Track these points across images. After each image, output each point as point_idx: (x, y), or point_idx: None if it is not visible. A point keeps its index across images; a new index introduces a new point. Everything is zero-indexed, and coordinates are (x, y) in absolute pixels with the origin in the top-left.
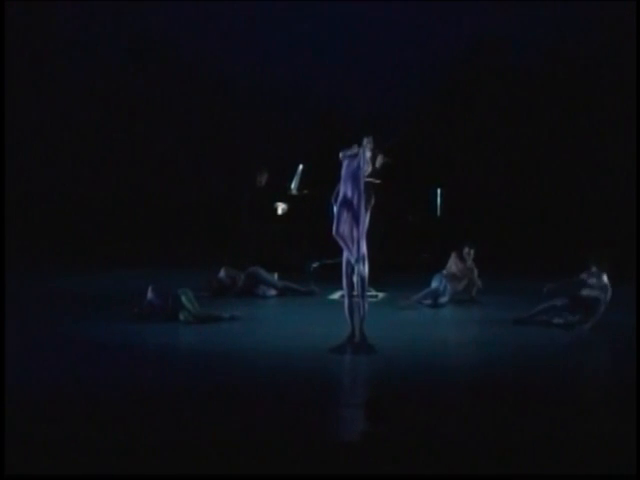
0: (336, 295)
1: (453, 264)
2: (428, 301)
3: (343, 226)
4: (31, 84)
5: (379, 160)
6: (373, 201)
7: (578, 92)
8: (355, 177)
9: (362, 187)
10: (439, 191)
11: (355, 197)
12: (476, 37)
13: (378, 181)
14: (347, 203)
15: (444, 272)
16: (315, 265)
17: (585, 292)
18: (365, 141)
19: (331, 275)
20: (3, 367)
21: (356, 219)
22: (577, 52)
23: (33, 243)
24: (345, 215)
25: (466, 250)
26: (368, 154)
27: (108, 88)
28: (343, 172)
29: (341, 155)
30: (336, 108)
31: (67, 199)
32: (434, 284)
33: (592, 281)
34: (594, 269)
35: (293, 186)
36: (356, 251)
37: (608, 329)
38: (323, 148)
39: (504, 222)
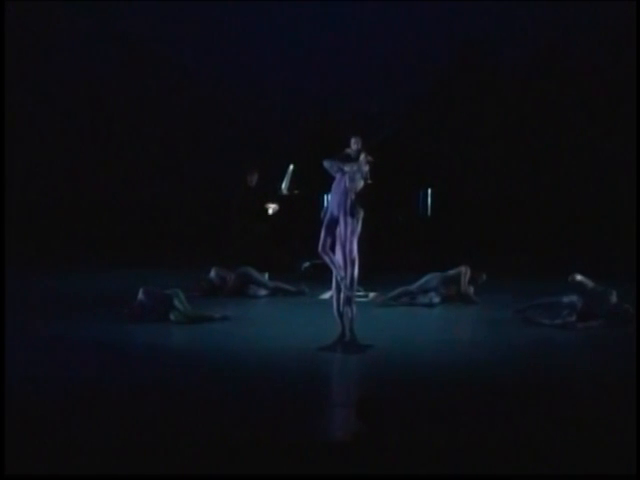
0: (327, 295)
1: (460, 277)
2: (404, 299)
3: (328, 244)
4: (24, 83)
5: (362, 159)
6: (362, 214)
7: (569, 91)
8: (343, 196)
9: (349, 206)
10: (429, 191)
11: (341, 217)
12: (465, 36)
13: (370, 181)
14: (333, 222)
15: (442, 274)
16: (306, 265)
17: (596, 308)
18: (353, 141)
19: (322, 275)
20: (3, 367)
21: (342, 241)
22: (568, 51)
23: (22, 244)
24: (330, 234)
25: (478, 274)
26: (366, 168)
27: (103, 90)
28: (333, 187)
29: (326, 164)
30: (327, 108)
31: (56, 200)
32: (421, 282)
33: (608, 298)
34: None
35: (284, 186)
36: (342, 270)
37: (608, 328)
38: (314, 148)
39: (495, 222)
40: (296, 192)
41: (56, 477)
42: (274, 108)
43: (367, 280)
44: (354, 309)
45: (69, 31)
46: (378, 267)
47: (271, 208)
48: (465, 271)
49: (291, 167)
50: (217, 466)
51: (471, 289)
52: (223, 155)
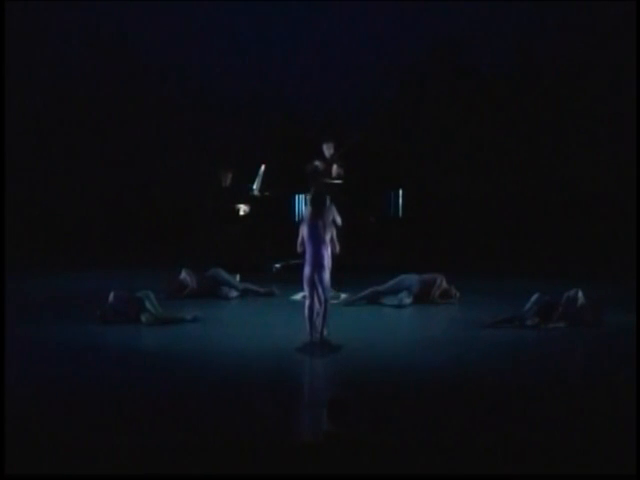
0: (297, 296)
1: (434, 285)
2: (373, 299)
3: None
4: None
5: (334, 170)
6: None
7: (540, 91)
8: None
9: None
10: (400, 192)
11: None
12: (435, 38)
13: (339, 181)
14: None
15: (416, 276)
16: (277, 266)
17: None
18: (325, 147)
19: (293, 276)
20: (3, 368)
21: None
22: (539, 51)
23: None
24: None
25: (453, 292)
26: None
27: (77, 89)
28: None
29: (308, 169)
30: (298, 110)
31: (23, 201)
32: (392, 282)
33: (575, 299)
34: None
35: (255, 187)
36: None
37: (607, 328)
38: (285, 149)
39: (467, 222)
40: (267, 193)
41: (55, 477)
42: (247, 109)
43: (339, 281)
44: (327, 312)
45: (67, 31)
46: (350, 268)
47: (242, 209)
48: (440, 281)
49: (262, 168)
50: (190, 466)
51: (439, 300)
52: (196, 155)
